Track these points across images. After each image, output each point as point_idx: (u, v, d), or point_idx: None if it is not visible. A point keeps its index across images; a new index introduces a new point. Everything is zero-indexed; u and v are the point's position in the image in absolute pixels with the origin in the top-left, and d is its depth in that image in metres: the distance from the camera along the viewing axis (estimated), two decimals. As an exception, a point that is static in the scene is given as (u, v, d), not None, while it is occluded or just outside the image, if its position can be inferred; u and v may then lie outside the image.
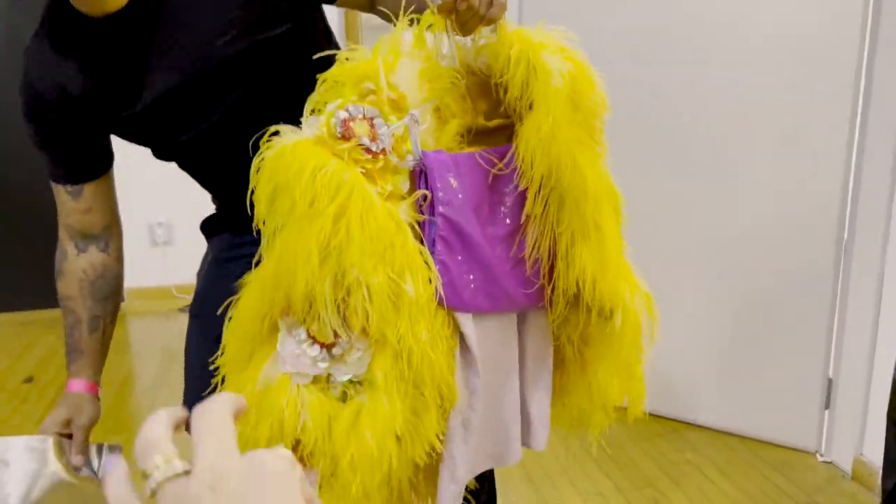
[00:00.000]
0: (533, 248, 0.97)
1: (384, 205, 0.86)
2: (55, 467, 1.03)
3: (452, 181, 0.92)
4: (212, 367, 0.94)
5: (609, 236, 0.99)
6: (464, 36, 0.99)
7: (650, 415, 2.43)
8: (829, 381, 2.22)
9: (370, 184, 0.86)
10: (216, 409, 0.37)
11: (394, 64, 0.94)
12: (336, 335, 0.85)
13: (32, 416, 2.69)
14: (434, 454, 0.90)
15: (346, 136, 0.87)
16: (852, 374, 2.14)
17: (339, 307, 0.84)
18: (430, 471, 0.95)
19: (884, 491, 1.52)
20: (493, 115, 1.04)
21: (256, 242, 0.90)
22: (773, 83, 2.13)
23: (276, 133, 0.89)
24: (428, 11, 0.97)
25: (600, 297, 0.99)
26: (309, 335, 0.85)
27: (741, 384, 2.35)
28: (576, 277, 0.97)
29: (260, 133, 0.90)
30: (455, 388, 0.90)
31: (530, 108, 0.97)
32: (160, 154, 1.20)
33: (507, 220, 0.97)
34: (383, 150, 0.89)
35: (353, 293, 0.82)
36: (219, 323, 0.93)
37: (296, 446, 0.87)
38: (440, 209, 0.89)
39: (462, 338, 0.92)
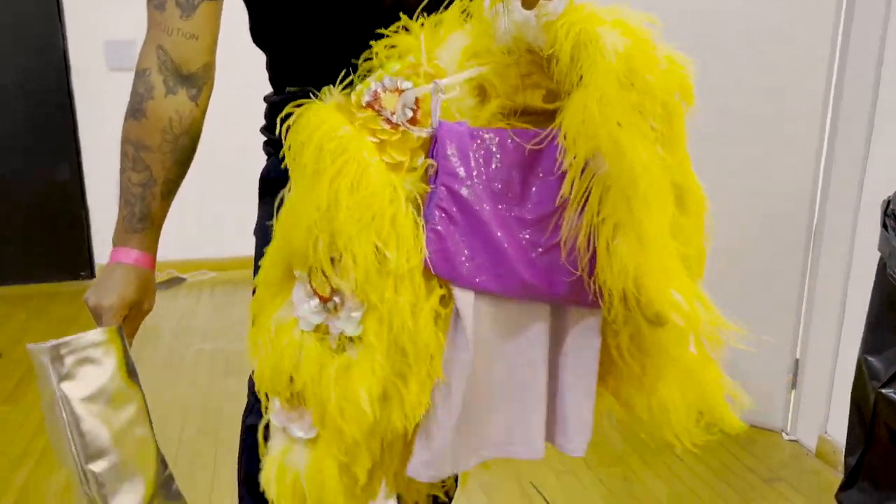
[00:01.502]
0: (567, 235, 0.93)
1: (384, 173, 0.88)
2: (116, 370, 0.98)
3: (471, 154, 0.91)
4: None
5: (652, 234, 0.91)
6: (527, 9, 0.96)
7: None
8: (797, 363, 2.32)
9: (380, 154, 0.90)
10: None
11: (444, 38, 0.96)
12: (332, 291, 0.91)
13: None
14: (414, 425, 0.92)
15: (371, 106, 0.91)
16: (819, 355, 2.22)
17: (335, 266, 0.90)
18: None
19: (846, 467, 1.60)
20: (554, 98, 1.00)
21: None
22: (745, 74, 2.21)
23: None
24: None
25: (646, 297, 0.91)
26: (311, 287, 0.92)
27: (711, 364, 2.28)
28: (618, 272, 0.91)
29: None
30: (439, 362, 0.90)
31: (578, 84, 0.91)
32: None
33: (540, 203, 0.93)
34: (408, 120, 0.92)
35: (342, 256, 0.87)
36: None
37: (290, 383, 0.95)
38: (443, 178, 0.89)
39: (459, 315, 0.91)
